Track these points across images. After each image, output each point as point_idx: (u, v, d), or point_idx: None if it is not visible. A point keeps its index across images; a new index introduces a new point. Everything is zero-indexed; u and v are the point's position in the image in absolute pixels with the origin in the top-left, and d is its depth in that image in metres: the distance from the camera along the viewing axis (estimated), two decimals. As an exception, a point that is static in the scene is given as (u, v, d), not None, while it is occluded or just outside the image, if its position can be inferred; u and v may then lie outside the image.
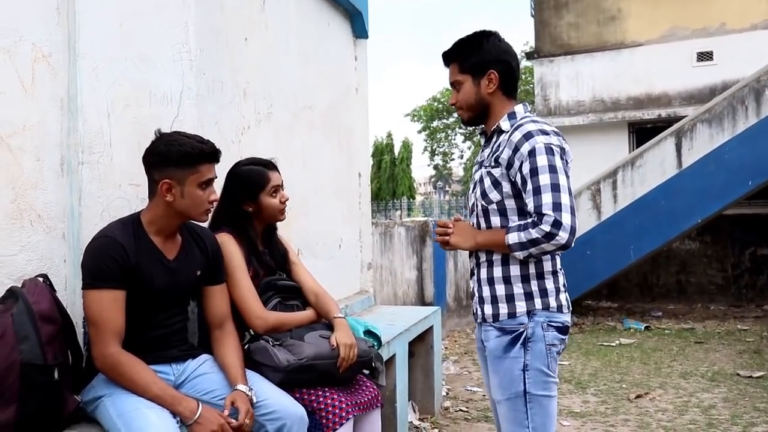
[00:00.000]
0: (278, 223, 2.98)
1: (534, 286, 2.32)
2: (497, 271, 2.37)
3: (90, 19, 2.57)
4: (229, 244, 2.71)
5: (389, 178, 35.24)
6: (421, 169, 44.10)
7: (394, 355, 4.01)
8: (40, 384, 2.08)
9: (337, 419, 2.56)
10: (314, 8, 4.47)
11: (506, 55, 2.40)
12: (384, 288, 7.30)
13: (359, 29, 5.20)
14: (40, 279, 2.28)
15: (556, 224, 2.16)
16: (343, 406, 2.60)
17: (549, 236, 2.17)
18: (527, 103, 2.50)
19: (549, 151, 2.23)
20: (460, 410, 5.22)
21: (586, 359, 6.99)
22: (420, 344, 4.90)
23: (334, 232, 4.74)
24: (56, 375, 2.13)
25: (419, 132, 40.75)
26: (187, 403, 2.21)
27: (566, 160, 2.30)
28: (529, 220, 2.23)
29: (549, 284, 2.34)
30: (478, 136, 2.63)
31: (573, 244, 2.21)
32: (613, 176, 8.94)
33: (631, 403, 5.30)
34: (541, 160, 2.21)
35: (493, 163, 2.35)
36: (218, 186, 2.54)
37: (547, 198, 2.18)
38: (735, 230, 10.73)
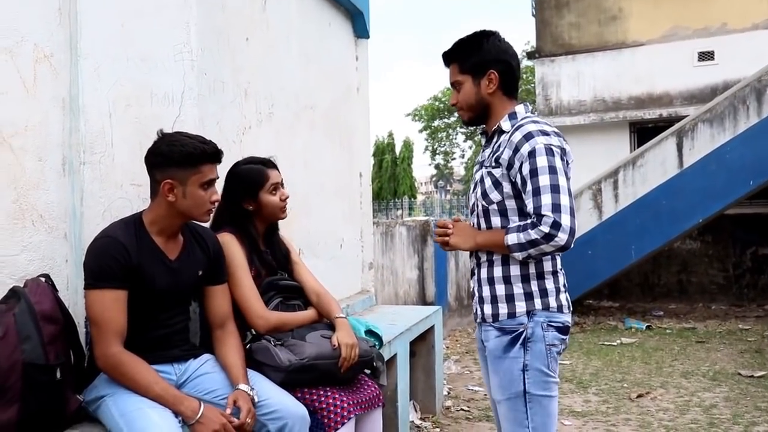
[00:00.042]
0: (279, 223, 2.99)
1: (534, 286, 2.32)
2: (497, 271, 2.37)
3: (91, 20, 2.58)
4: (230, 244, 2.71)
5: (390, 178, 35.20)
6: (422, 169, 44.10)
7: (395, 354, 4.01)
8: (42, 384, 2.08)
9: (338, 419, 2.56)
10: (315, 8, 4.47)
11: (506, 55, 2.40)
12: (385, 287, 7.30)
13: (360, 29, 5.20)
14: (42, 279, 2.28)
15: (556, 225, 2.16)
16: (345, 405, 2.60)
17: (548, 237, 2.17)
18: (528, 103, 2.49)
19: (549, 151, 2.23)
20: (462, 410, 5.22)
21: (587, 359, 6.99)
22: (421, 344, 4.90)
23: (335, 231, 4.74)
24: (58, 375, 2.14)
25: (420, 131, 40.77)
26: (189, 403, 2.21)
27: (567, 161, 2.30)
28: (529, 221, 2.23)
29: (549, 284, 2.34)
30: (479, 136, 2.63)
31: (572, 246, 2.21)
32: (614, 176, 8.94)
33: (632, 403, 5.30)
34: (541, 161, 2.21)
35: (493, 164, 2.35)
36: (219, 186, 2.54)
37: (546, 199, 2.18)
38: (736, 230, 10.73)
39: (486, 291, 2.40)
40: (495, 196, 2.35)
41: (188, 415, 2.18)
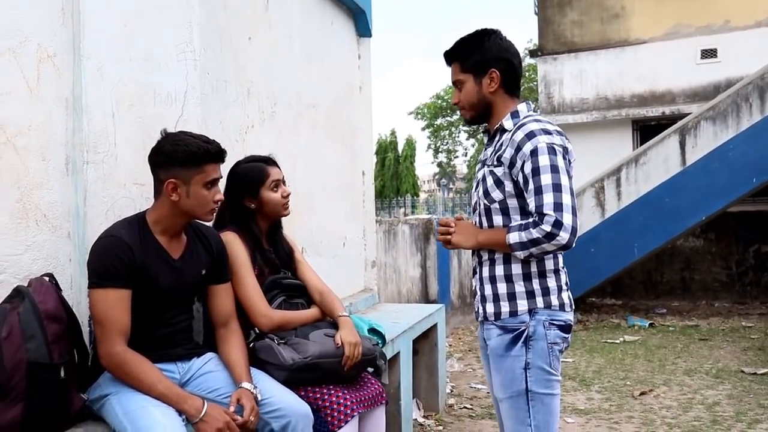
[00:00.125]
0: (282, 222, 3.00)
1: (536, 284, 2.33)
2: (499, 270, 2.37)
3: (94, 20, 2.58)
4: (234, 243, 2.72)
5: (393, 176, 35.21)
6: (425, 167, 44.18)
7: (398, 352, 4.02)
8: (46, 382, 2.09)
9: (342, 417, 2.57)
10: (317, 7, 4.47)
11: (507, 54, 2.40)
12: (388, 286, 7.31)
13: (362, 28, 5.20)
14: (46, 278, 2.29)
15: (557, 224, 2.16)
16: (348, 403, 2.61)
17: (549, 236, 2.17)
18: (530, 102, 2.49)
19: (551, 150, 2.23)
20: (465, 407, 5.23)
21: (590, 356, 6.99)
22: (424, 342, 4.91)
23: (338, 230, 4.75)
24: (62, 373, 2.14)
25: (423, 129, 40.79)
26: (192, 402, 2.22)
27: (569, 160, 2.30)
28: (530, 220, 2.23)
29: (551, 283, 2.34)
30: (482, 134, 2.63)
31: (574, 245, 2.21)
32: (617, 174, 8.94)
33: (635, 400, 5.31)
34: (543, 160, 2.21)
35: (495, 162, 2.35)
36: (222, 186, 2.55)
37: (548, 198, 2.18)
38: (739, 227, 10.72)
39: (488, 289, 2.40)
40: (497, 194, 2.35)
41: (192, 414, 2.19)
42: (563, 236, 2.17)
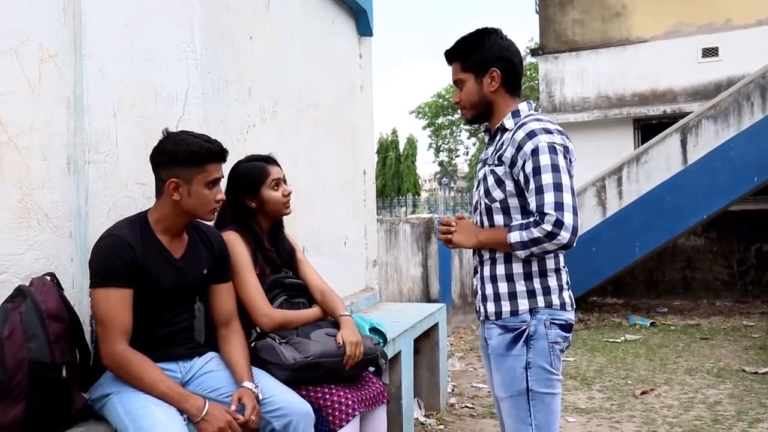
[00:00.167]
0: (283, 221, 3.00)
1: (537, 283, 2.33)
2: (500, 269, 2.37)
3: (96, 19, 2.58)
4: (235, 242, 2.72)
5: (394, 175, 35.25)
6: (426, 166, 44.20)
7: (399, 351, 4.02)
8: (48, 382, 2.09)
9: (343, 416, 2.57)
10: (319, 6, 4.47)
11: (508, 53, 2.40)
12: (389, 285, 7.32)
13: (364, 27, 5.20)
14: (48, 278, 2.29)
15: (558, 224, 2.16)
16: (350, 402, 2.61)
17: (550, 236, 2.17)
18: (531, 101, 2.49)
19: (552, 150, 2.23)
20: (466, 407, 5.23)
21: (591, 355, 6.99)
22: (425, 341, 4.91)
23: (339, 229, 4.75)
24: (64, 373, 2.14)
25: (424, 128, 40.80)
26: (194, 401, 2.22)
27: (570, 159, 2.30)
28: (531, 219, 2.23)
29: (552, 282, 2.34)
30: (483, 133, 2.63)
31: (575, 244, 2.21)
32: (618, 173, 8.94)
33: (636, 400, 5.31)
34: (544, 159, 2.21)
35: (496, 162, 2.35)
36: (223, 185, 2.55)
37: (549, 197, 2.18)
38: (740, 226, 10.71)
39: (489, 289, 2.40)
40: (498, 194, 2.35)
41: (193, 413, 2.19)
42: (564, 235, 2.17)
